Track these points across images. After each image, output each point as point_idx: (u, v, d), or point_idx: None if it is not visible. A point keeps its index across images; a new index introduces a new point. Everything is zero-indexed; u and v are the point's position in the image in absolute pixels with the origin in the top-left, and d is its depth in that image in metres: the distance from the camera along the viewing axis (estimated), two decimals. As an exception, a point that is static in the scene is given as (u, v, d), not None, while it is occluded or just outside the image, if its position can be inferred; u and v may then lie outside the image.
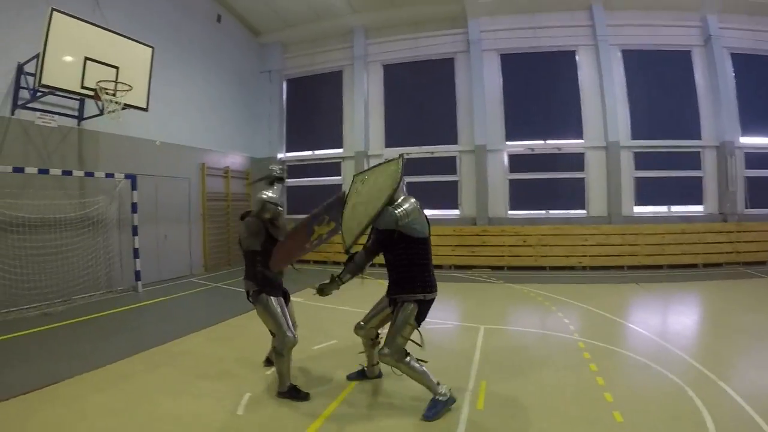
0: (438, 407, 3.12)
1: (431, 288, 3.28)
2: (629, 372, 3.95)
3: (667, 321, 5.95)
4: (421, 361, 3.22)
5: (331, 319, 5.76)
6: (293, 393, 3.42)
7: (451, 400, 3.21)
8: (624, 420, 2.94)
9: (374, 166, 3.67)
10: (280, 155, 12.97)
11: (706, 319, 6.06)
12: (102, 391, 3.62)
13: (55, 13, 5.95)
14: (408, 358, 3.16)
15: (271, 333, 3.60)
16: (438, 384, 3.18)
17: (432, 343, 4.80)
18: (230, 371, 4.10)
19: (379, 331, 3.69)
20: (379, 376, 3.83)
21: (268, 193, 3.59)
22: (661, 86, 10.74)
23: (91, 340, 5.19)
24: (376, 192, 3.27)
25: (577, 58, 10.96)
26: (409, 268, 3.24)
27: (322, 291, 3.46)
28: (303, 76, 13.06)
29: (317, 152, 12.81)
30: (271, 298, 3.52)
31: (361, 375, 3.84)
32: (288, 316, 3.54)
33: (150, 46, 7.48)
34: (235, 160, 11.91)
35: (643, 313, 6.33)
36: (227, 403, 3.38)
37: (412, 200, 3.24)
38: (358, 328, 3.67)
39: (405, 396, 3.47)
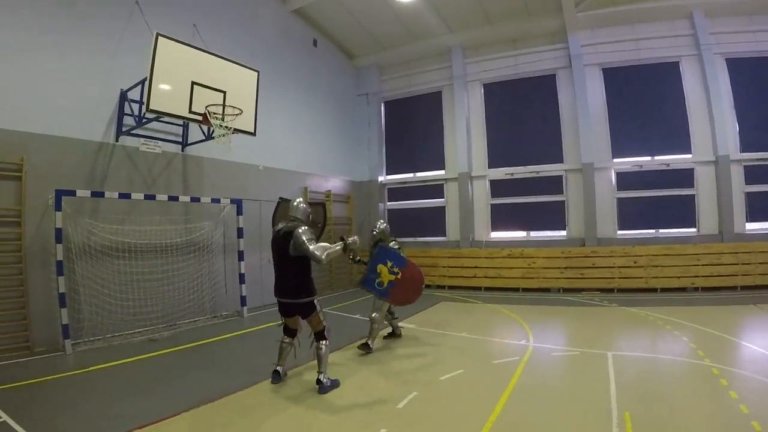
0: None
1: None
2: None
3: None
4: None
5: (452, 347, 6.23)
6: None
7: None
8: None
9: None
10: (380, 178, 13.78)
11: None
12: (232, 424, 3.75)
13: (160, 38, 6.18)
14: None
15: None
16: None
17: (564, 371, 5.34)
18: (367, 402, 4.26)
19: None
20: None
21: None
22: (769, 95, 11.07)
23: (206, 367, 5.41)
24: None
25: (680, 69, 11.28)
26: None
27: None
28: (400, 98, 13.73)
29: (419, 174, 13.54)
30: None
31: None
32: None
33: (255, 70, 7.76)
34: (336, 183, 12.83)
35: (769, 336, 6.44)
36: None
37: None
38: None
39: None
